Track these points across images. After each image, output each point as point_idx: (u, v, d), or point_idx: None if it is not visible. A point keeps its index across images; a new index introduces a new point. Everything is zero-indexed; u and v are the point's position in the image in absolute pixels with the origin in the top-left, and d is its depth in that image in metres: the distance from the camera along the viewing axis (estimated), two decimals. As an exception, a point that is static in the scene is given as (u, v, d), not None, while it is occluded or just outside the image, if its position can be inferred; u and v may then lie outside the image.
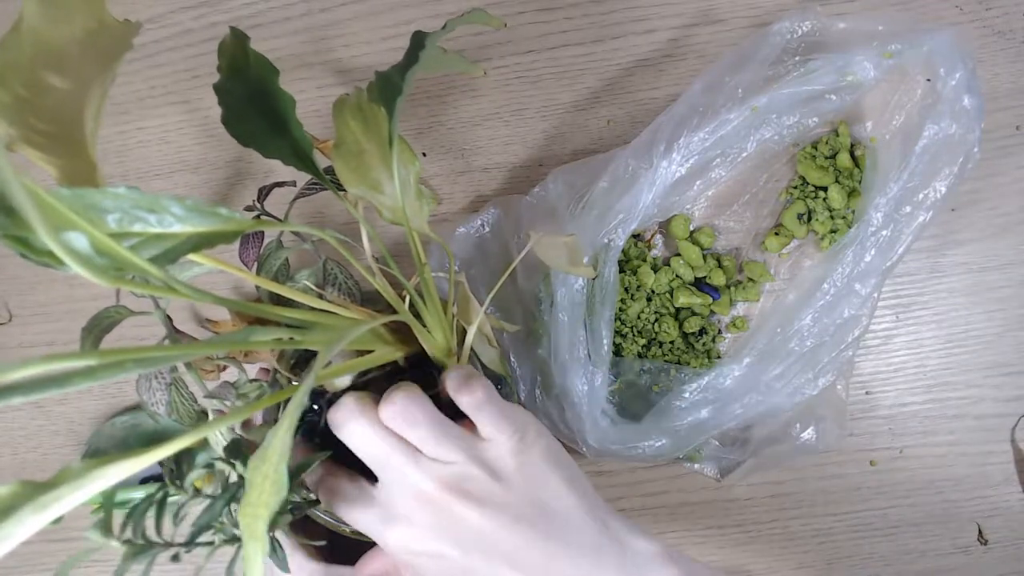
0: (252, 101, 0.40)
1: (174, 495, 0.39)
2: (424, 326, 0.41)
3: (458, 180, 0.66)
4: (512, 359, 0.61)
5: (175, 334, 0.56)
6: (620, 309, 0.61)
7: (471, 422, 0.40)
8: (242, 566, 0.39)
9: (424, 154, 0.66)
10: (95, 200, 0.25)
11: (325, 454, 0.43)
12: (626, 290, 0.62)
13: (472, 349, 0.43)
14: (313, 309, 0.41)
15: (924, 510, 0.62)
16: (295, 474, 0.41)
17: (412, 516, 0.38)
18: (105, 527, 0.35)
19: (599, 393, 0.57)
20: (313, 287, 0.53)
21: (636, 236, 0.64)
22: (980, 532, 0.62)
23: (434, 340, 0.41)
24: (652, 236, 0.64)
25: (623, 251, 0.62)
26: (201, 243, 0.28)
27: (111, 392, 0.67)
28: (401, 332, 0.44)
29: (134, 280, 0.28)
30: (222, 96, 0.39)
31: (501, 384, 0.55)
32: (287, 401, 0.35)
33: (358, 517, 0.40)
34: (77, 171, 0.32)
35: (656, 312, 0.62)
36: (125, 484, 0.50)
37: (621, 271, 0.62)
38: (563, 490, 0.39)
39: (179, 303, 0.66)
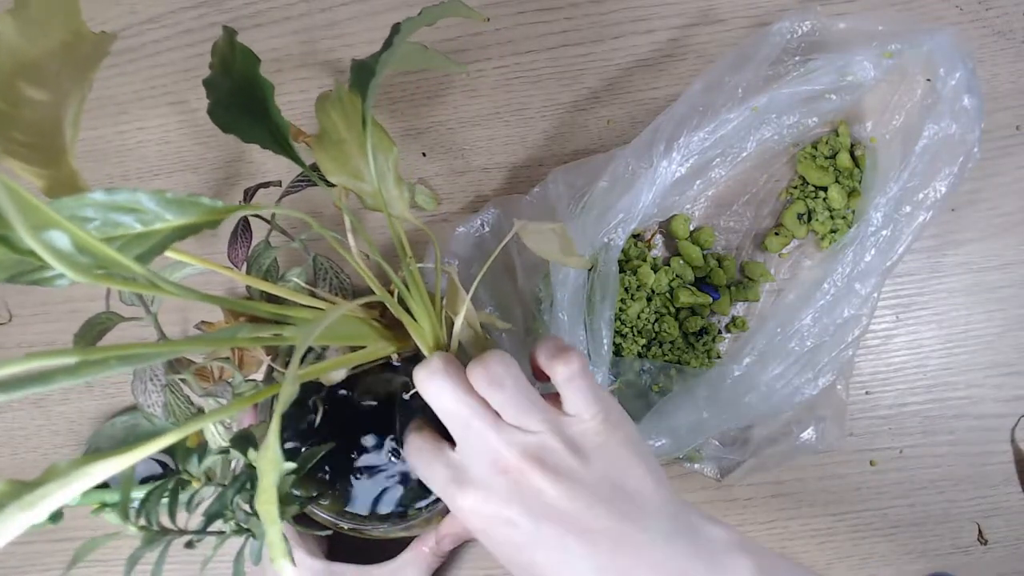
0: (236, 92, 0.40)
1: (187, 481, 0.39)
2: (412, 317, 0.42)
3: (458, 180, 0.66)
4: (511, 359, 0.61)
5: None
6: (620, 309, 0.61)
7: (553, 396, 0.40)
8: (248, 558, 0.39)
9: (424, 154, 0.66)
10: (74, 211, 0.26)
11: (329, 445, 0.43)
12: (626, 290, 0.62)
13: (460, 342, 0.43)
14: (302, 306, 0.41)
15: (924, 510, 0.62)
16: (301, 466, 0.41)
17: (487, 481, 0.38)
18: (123, 512, 0.35)
19: (598, 393, 0.57)
20: (303, 284, 0.54)
21: (636, 236, 0.64)
22: (980, 532, 0.62)
23: (422, 331, 0.42)
24: (652, 236, 0.64)
25: (623, 251, 0.62)
26: (184, 233, 0.28)
27: (111, 392, 0.67)
28: (394, 328, 0.44)
29: (120, 279, 0.28)
30: (210, 90, 0.40)
31: None
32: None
33: (433, 475, 0.40)
34: (60, 180, 0.32)
35: (656, 312, 0.62)
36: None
37: (621, 271, 0.62)
38: (642, 475, 0.39)
39: (175, 307, 0.66)
